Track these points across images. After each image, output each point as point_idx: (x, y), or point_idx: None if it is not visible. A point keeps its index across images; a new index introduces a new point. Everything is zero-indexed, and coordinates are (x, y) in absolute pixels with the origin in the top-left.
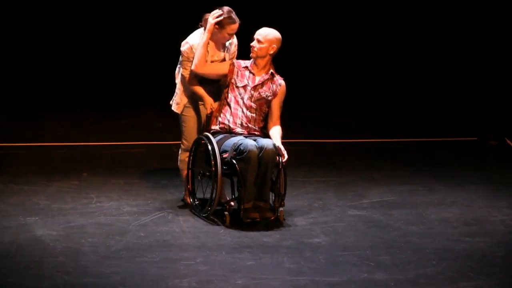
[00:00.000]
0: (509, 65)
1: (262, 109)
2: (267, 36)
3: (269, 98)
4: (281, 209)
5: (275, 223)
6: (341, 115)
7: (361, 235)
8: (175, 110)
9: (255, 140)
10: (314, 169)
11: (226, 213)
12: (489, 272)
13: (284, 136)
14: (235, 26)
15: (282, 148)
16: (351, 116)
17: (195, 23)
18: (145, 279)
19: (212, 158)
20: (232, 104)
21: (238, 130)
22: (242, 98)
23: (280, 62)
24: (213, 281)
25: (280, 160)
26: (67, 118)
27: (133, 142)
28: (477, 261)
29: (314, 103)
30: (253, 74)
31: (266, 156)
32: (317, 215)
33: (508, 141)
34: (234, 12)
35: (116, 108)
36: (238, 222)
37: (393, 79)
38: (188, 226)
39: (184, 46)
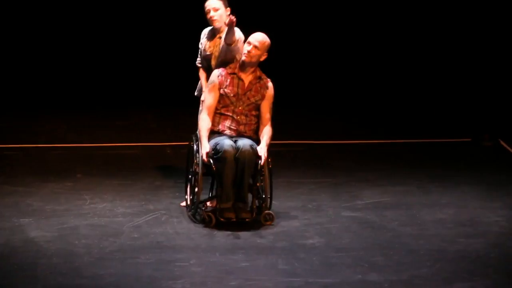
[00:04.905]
0: (504, 66)
1: (252, 113)
2: (264, 43)
3: (258, 102)
4: (267, 211)
5: (270, 225)
6: (335, 116)
7: (355, 236)
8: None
9: (235, 141)
10: (308, 170)
11: (210, 213)
12: (483, 273)
13: (278, 138)
14: (207, 2)
15: (261, 150)
16: (345, 117)
17: (190, 26)
18: (139, 281)
19: (194, 157)
20: (223, 112)
21: (227, 132)
22: (234, 106)
23: (275, 63)
24: (207, 283)
25: (259, 162)
26: (62, 119)
27: (127, 144)
28: (471, 262)
29: (309, 104)
30: (242, 80)
31: (242, 157)
32: (311, 216)
33: (502, 142)
34: None
35: (110, 110)
36: (231, 223)
37: (387, 80)
38: (182, 227)
39: None
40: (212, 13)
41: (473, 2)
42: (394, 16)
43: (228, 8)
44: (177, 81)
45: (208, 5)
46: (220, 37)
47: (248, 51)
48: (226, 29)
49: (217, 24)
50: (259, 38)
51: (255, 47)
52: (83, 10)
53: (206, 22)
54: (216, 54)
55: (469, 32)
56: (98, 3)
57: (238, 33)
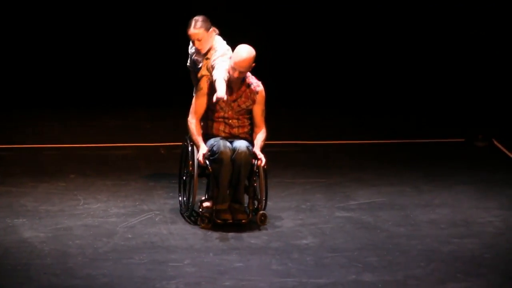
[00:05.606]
0: (497, 68)
1: (244, 116)
2: (249, 63)
3: (250, 107)
4: (261, 212)
5: (263, 226)
6: (330, 117)
7: (349, 236)
8: None
9: (231, 142)
10: (302, 170)
11: (207, 215)
12: (477, 273)
13: (273, 138)
14: (189, 32)
15: (258, 152)
16: (340, 117)
17: (186, 26)
18: (132, 281)
19: (189, 158)
20: (214, 119)
21: (221, 134)
22: (224, 112)
23: (268, 64)
24: (201, 283)
25: (256, 163)
26: (55, 120)
27: (120, 144)
28: (465, 263)
29: (303, 104)
30: (230, 87)
31: (239, 158)
32: (305, 217)
33: (496, 142)
34: (198, 19)
35: (104, 110)
36: (227, 224)
37: (381, 81)
38: (176, 228)
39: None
40: (196, 44)
41: (468, 4)
42: (388, 18)
43: (211, 30)
44: (172, 82)
45: (191, 35)
46: (207, 58)
47: (233, 75)
48: (213, 51)
49: (203, 51)
50: (242, 61)
51: (240, 72)
52: (79, 10)
53: None
54: (204, 72)
55: (462, 33)
56: (94, 4)
57: (222, 48)
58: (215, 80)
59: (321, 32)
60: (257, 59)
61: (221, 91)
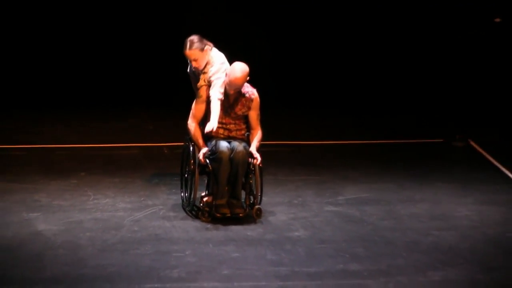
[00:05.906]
0: (474, 72)
1: (241, 121)
2: (242, 82)
3: (245, 113)
4: (257, 206)
5: (259, 219)
6: (324, 118)
7: (337, 229)
8: None
9: (230, 143)
10: (295, 168)
11: (206, 208)
12: (455, 263)
13: (268, 138)
14: (185, 53)
15: (255, 151)
16: (331, 119)
17: (186, 28)
18: (138, 270)
19: (191, 157)
20: None
21: (221, 136)
22: (221, 118)
23: (268, 64)
24: (201, 272)
25: (252, 161)
26: (65, 121)
27: (125, 144)
28: (444, 253)
29: (303, 104)
30: (228, 98)
31: (237, 158)
32: (296, 211)
33: (472, 143)
34: (193, 40)
35: (106, 111)
36: (225, 218)
37: (367, 85)
38: (178, 221)
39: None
40: (193, 63)
41: (448, 9)
42: (372, 23)
43: (206, 48)
44: (172, 82)
45: (187, 56)
46: (204, 72)
47: (229, 91)
48: (209, 65)
49: (200, 68)
50: (237, 80)
51: (235, 89)
52: (83, 12)
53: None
54: (202, 83)
55: (442, 37)
56: (96, 6)
57: (218, 62)
58: (210, 101)
59: (320, 33)
60: (256, 59)
61: (212, 123)
